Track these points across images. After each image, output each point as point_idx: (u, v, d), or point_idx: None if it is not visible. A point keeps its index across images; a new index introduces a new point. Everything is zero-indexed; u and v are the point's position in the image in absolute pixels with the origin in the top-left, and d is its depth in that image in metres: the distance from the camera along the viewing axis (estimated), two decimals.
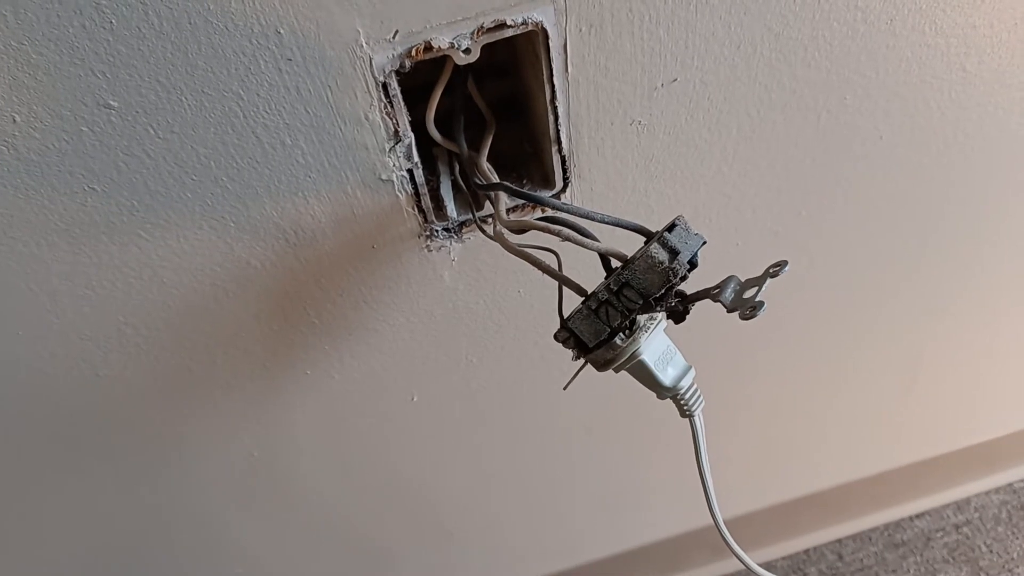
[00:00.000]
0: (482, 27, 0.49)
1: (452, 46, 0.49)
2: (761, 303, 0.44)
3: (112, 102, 0.46)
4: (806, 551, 1.57)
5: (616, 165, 0.61)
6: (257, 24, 0.45)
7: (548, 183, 0.62)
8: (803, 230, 0.75)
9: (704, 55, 0.55)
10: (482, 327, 0.74)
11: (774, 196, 0.69)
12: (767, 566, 1.53)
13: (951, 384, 1.21)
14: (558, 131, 0.57)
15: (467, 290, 0.69)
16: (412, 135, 0.54)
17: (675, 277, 0.46)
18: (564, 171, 0.60)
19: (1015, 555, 1.56)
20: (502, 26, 0.49)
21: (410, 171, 0.57)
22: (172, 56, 0.45)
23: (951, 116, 0.68)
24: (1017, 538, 1.57)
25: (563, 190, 0.62)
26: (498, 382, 0.83)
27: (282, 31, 0.45)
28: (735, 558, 0.63)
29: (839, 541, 1.58)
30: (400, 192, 0.58)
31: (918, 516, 1.61)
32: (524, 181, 0.63)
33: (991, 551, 1.57)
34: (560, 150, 0.58)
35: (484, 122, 0.59)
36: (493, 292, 0.70)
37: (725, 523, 0.60)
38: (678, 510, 1.30)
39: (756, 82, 0.59)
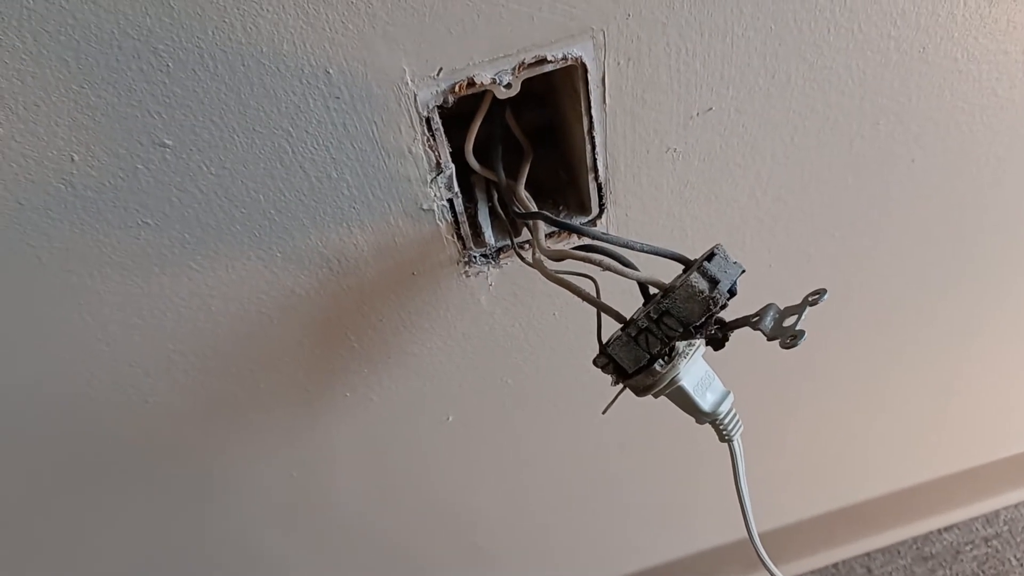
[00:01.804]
0: (523, 63, 0.50)
1: (494, 82, 0.50)
2: (802, 332, 0.44)
3: (167, 141, 0.48)
4: (835, 565, 1.56)
5: (651, 191, 0.62)
6: (307, 65, 0.46)
7: (584, 209, 0.63)
8: (836, 252, 0.75)
9: (739, 85, 0.56)
10: (518, 349, 0.75)
11: (807, 219, 0.70)
12: None
13: (983, 401, 1.21)
14: (595, 160, 0.58)
15: (503, 314, 0.70)
16: (453, 166, 0.55)
17: (715, 306, 0.46)
18: (600, 198, 0.61)
19: None
20: (543, 61, 0.50)
21: (450, 200, 0.58)
22: (226, 97, 0.46)
23: (983, 140, 0.68)
24: None
25: (599, 216, 0.63)
26: (533, 403, 0.84)
27: (331, 71, 0.47)
28: (766, 573, 0.64)
29: (868, 555, 1.58)
30: (440, 221, 0.59)
31: (947, 529, 1.60)
32: (560, 208, 0.64)
33: (1021, 564, 1.56)
34: (597, 178, 0.59)
35: (520, 149, 0.60)
36: (529, 315, 0.71)
37: (759, 538, 0.60)
38: (709, 525, 1.30)
39: (790, 109, 0.59)
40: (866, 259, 0.79)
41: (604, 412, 0.56)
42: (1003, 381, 1.18)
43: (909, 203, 0.73)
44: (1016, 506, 1.61)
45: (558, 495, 1.06)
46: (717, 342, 0.50)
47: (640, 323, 0.48)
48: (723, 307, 0.47)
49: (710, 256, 0.47)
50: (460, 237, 0.61)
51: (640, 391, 0.51)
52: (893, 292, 0.86)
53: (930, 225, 0.77)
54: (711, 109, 0.57)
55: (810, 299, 0.47)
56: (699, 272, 0.46)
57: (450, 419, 0.82)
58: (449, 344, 0.72)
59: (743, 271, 0.47)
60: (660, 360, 0.50)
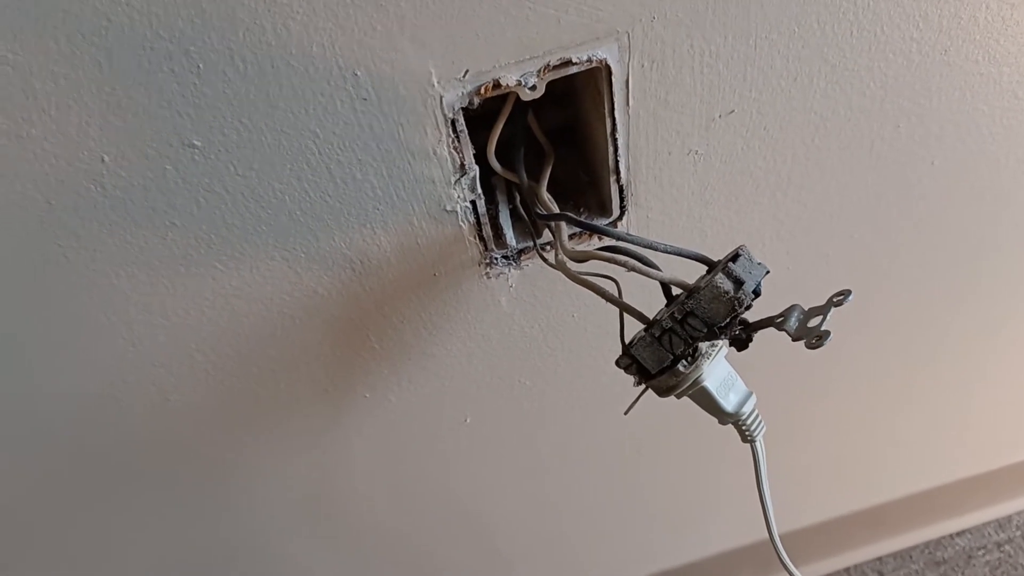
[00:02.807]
0: (548, 65, 0.50)
1: (519, 84, 0.50)
2: (827, 332, 0.45)
3: (196, 142, 0.48)
4: (847, 569, 1.56)
5: (672, 193, 0.62)
6: (336, 67, 0.46)
7: (605, 211, 0.63)
8: (856, 254, 0.76)
9: (761, 87, 0.56)
10: (536, 350, 0.75)
11: (826, 221, 0.70)
12: None
13: (997, 405, 1.21)
14: (617, 161, 0.58)
15: (523, 315, 0.70)
16: (477, 168, 0.56)
17: (740, 307, 0.46)
18: (622, 199, 0.61)
19: None
20: (568, 64, 0.50)
21: (473, 202, 0.58)
22: (255, 98, 0.47)
23: (1003, 142, 0.68)
24: None
25: (619, 217, 0.63)
26: (551, 404, 0.84)
27: (359, 73, 0.47)
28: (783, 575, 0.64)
29: (880, 559, 1.57)
30: (463, 222, 0.59)
31: (959, 534, 1.60)
32: (581, 209, 0.64)
33: None
34: (618, 180, 0.60)
35: (541, 150, 0.61)
36: (548, 317, 0.71)
37: (780, 541, 0.60)
38: (726, 527, 1.30)
39: (812, 111, 0.60)
40: (886, 261, 0.79)
41: (626, 413, 0.56)
42: (1018, 385, 1.18)
43: (929, 205, 0.73)
44: None
45: (577, 497, 1.06)
46: (740, 343, 0.50)
47: (664, 324, 0.48)
48: (748, 308, 0.47)
49: (735, 257, 0.47)
50: (482, 238, 0.61)
51: (663, 392, 0.51)
52: (911, 295, 0.86)
53: (950, 227, 0.77)
54: (733, 111, 0.58)
55: (835, 299, 0.47)
56: (724, 273, 0.46)
57: (468, 420, 0.82)
58: (469, 345, 0.72)
59: (767, 272, 0.47)
60: (683, 361, 0.50)
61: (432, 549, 1.07)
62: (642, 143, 0.58)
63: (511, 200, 0.62)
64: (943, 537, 1.60)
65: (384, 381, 0.73)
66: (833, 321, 0.45)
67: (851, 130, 0.62)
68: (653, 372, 0.50)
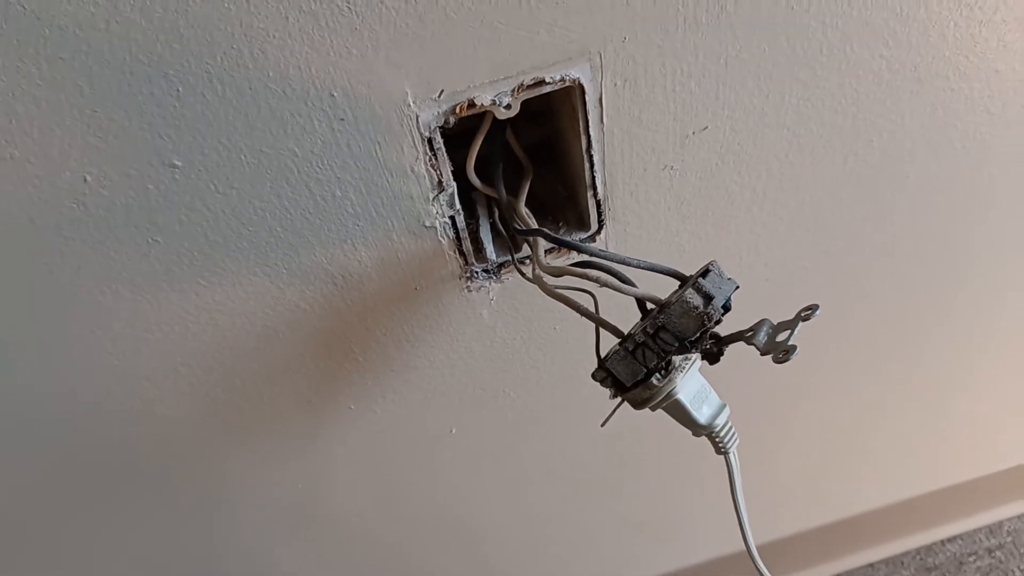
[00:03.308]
0: (522, 84, 0.51)
1: (494, 103, 0.51)
2: (794, 347, 0.46)
3: (177, 162, 0.49)
4: None
5: (649, 208, 0.63)
6: (313, 88, 0.47)
7: (583, 225, 0.64)
8: (832, 266, 0.76)
9: (734, 105, 0.57)
10: (519, 362, 0.76)
11: (802, 234, 0.71)
12: None
13: (986, 411, 1.21)
14: (594, 177, 0.59)
15: (505, 328, 0.71)
16: (455, 184, 0.56)
17: (709, 321, 0.47)
18: (599, 214, 0.62)
19: None
20: (541, 83, 0.51)
21: (452, 217, 0.59)
22: (233, 119, 0.48)
23: (976, 156, 0.69)
24: None
25: (598, 232, 0.64)
26: (534, 414, 0.85)
27: (336, 94, 0.48)
28: None
29: (871, 566, 1.58)
30: (442, 237, 0.60)
31: (950, 540, 1.60)
32: (560, 224, 0.65)
33: None
34: (595, 195, 0.60)
35: (520, 166, 0.61)
36: (529, 329, 0.72)
37: (756, 550, 0.61)
38: (710, 536, 1.30)
39: (784, 128, 0.61)
40: (862, 273, 0.79)
41: (603, 424, 0.57)
42: (1005, 392, 1.19)
43: (904, 219, 0.74)
44: (1020, 517, 1.61)
45: (561, 506, 1.06)
46: (712, 356, 0.51)
47: (637, 338, 0.49)
48: (718, 322, 0.48)
49: (705, 272, 0.48)
50: (462, 253, 0.62)
51: (638, 404, 0.52)
52: (890, 304, 0.87)
53: (925, 240, 0.78)
54: (707, 128, 0.59)
55: (803, 314, 0.48)
56: (694, 288, 0.47)
57: (454, 431, 0.83)
58: (452, 357, 0.73)
59: (737, 287, 0.48)
60: (657, 374, 0.51)
61: (421, 558, 1.07)
62: (617, 159, 0.58)
63: (491, 215, 0.63)
64: (934, 543, 1.60)
65: (368, 393, 0.74)
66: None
67: (824, 146, 0.63)
68: (628, 385, 0.51)
